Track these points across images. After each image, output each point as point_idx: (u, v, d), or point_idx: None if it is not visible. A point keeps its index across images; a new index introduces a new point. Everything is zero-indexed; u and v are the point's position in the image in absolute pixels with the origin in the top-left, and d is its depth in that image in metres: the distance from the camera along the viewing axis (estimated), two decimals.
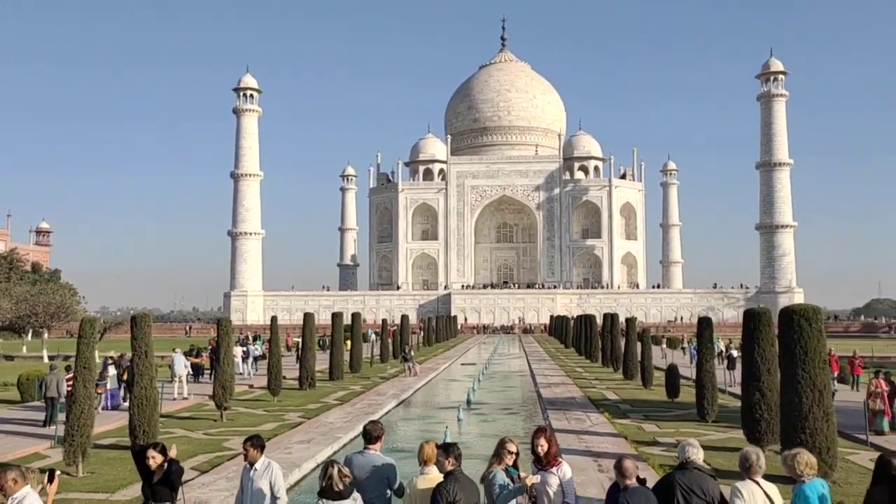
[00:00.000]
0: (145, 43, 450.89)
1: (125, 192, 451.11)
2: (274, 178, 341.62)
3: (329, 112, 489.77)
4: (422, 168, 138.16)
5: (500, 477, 7.40)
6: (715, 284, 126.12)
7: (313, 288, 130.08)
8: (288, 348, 55.46)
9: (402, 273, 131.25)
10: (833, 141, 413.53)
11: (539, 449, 7.58)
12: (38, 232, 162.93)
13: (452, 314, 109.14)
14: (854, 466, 14.44)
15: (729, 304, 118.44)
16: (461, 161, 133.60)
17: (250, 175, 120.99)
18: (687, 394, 25.25)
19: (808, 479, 6.86)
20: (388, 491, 7.70)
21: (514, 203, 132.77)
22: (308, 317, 31.95)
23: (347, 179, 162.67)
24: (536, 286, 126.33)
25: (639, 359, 32.35)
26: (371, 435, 7.88)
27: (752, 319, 16.09)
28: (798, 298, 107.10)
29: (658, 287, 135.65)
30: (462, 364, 46.70)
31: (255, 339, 52.78)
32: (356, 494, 7.21)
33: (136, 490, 11.38)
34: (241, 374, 33.48)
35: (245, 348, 37.13)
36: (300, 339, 33.77)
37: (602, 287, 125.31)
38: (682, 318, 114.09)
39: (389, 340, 49.63)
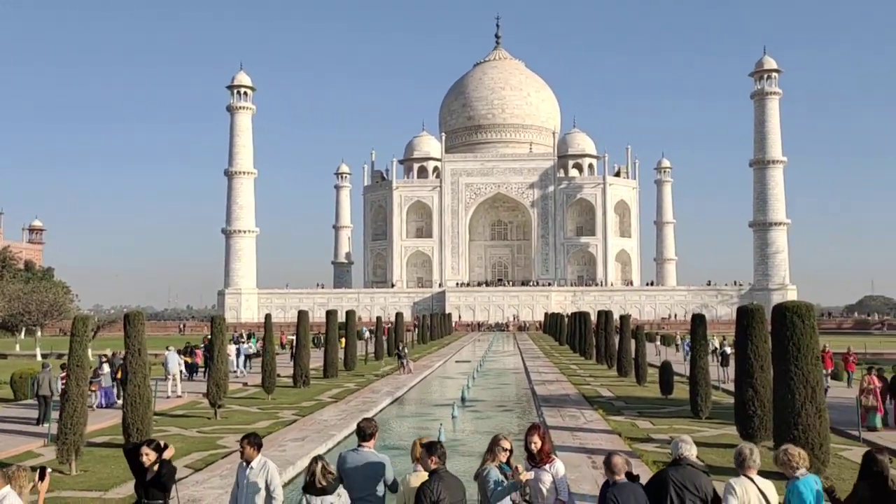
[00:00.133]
0: (140, 41, 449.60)
1: (119, 190, 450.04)
2: (268, 176, 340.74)
3: (323, 109, 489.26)
4: (416, 166, 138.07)
5: (495, 474, 7.41)
6: (709, 282, 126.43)
7: (308, 286, 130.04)
8: (282, 346, 55.38)
9: (397, 271, 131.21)
10: (826, 138, 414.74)
11: (532, 446, 7.60)
12: (31, 230, 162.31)
13: (447, 312, 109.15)
14: (847, 462, 14.50)
15: (723, 301, 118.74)
16: (456, 159, 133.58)
17: (244, 173, 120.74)
18: (681, 391, 25.33)
19: (802, 476, 6.88)
20: (382, 488, 7.70)
21: (509, 201, 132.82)
22: (302, 315, 31.93)
23: (342, 177, 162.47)
24: (531, 284, 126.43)
25: (633, 356, 32.43)
26: (365, 432, 7.89)
27: (746, 316, 16.14)
28: (791, 295, 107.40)
29: (652, 284, 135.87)
30: (457, 361, 46.71)
31: (249, 336, 52.69)
32: (341, 490, 7.24)
33: (129, 488, 11.35)
34: (233, 371, 33.43)
35: (237, 346, 37.06)
36: (294, 337, 33.76)
37: (596, 284, 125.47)
38: (675, 316, 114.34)
39: (384, 338, 49.63)
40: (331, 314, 36.21)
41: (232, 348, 34.09)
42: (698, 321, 21.93)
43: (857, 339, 61.38)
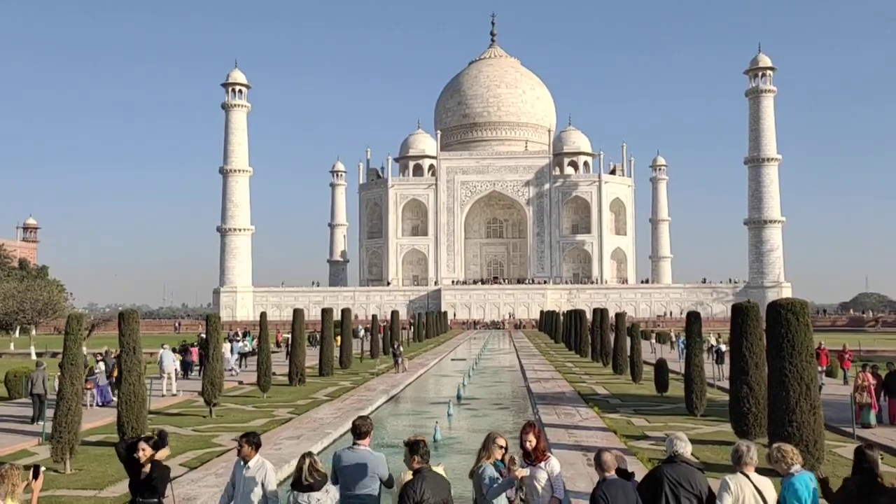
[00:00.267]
0: (135, 39, 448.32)
1: (113, 188, 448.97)
2: (263, 174, 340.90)
3: (319, 107, 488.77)
4: (412, 164, 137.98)
5: (490, 471, 7.41)
6: (704, 279, 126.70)
7: (303, 284, 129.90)
8: (278, 344, 55.32)
9: (392, 269, 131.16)
10: (821, 136, 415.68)
11: (527, 444, 7.60)
12: (26, 228, 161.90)
13: (443, 310, 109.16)
14: (841, 459, 14.53)
15: (717, 298, 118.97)
16: (451, 157, 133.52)
17: (239, 171, 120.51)
18: (676, 388, 25.35)
19: (797, 472, 6.90)
20: (378, 485, 7.70)
21: (504, 198, 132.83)
22: (298, 313, 31.88)
23: (337, 175, 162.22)
24: (526, 281, 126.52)
25: (628, 354, 32.44)
26: (360, 430, 7.89)
27: (741, 314, 16.17)
28: (786, 293, 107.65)
29: (647, 282, 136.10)
30: (452, 359, 46.71)
31: (244, 335, 52.61)
32: (329, 487, 7.25)
33: (123, 487, 11.33)
34: (228, 370, 33.35)
35: (230, 344, 36.97)
36: (290, 336, 33.71)
37: (592, 282, 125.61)
38: (671, 313, 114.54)
39: (379, 336, 49.59)
40: (326, 312, 36.15)
41: (226, 346, 33.98)
42: (693, 319, 21.96)
43: (852, 337, 61.52)
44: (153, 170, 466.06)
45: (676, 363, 33.77)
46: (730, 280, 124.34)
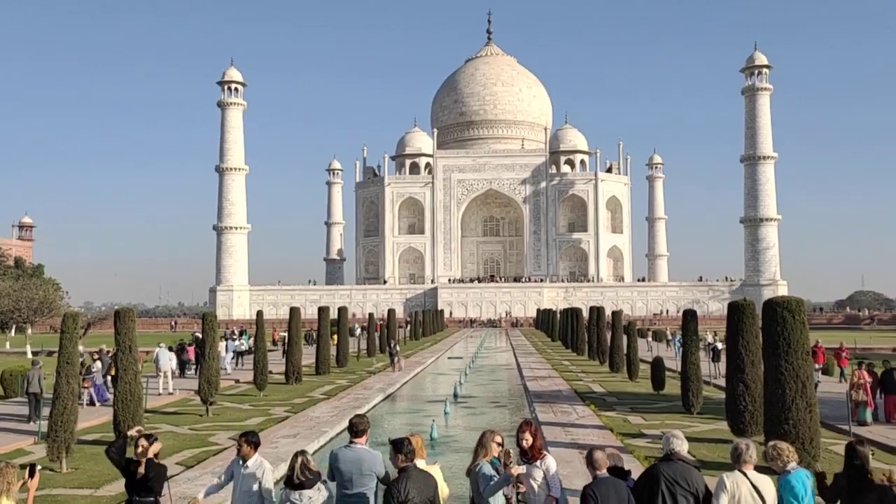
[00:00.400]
0: (131, 37, 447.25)
1: (109, 187, 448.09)
2: (260, 173, 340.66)
3: (315, 106, 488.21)
4: (408, 162, 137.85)
5: (487, 469, 7.41)
6: (700, 277, 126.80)
7: (300, 282, 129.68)
8: (274, 343, 55.28)
9: (389, 267, 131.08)
10: (817, 134, 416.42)
11: (524, 442, 7.60)
12: (21, 227, 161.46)
13: (439, 308, 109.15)
14: (837, 457, 14.54)
15: (714, 296, 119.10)
16: (447, 155, 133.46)
17: (235, 169, 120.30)
18: (672, 386, 25.40)
19: (794, 470, 6.91)
20: (375, 483, 7.70)
21: (501, 197, 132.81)
22: (294, 311, 31.86)
23: (333, 173, 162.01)
24: (523, 280, 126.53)
25: (625, 352, 32.48)
26: (357, 429, 7.88)
27: (737, 312, 16.18)
28: (782, 291, 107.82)
29: (644, 280, 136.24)
30: (449, 358, 46.72)
31: (241, 334, 52.54)
32: (320, 485, 7.25)
33: (119, 486, 11.28)
34: (222, 369, 33.29)
35: (225, 343, 36.91)
36: (286, 334, 33.68)
37: (588, 280, 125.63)
38: (667, 311, 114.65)
39: (376, 335, 49.58)
40: (323, 311, 36.15)
41: (220, 345, 33.89)
42: (690, 317, 21.99)
43: (848, 335, 61.66)
44: (149, 168, 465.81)
45: (673, 361, 33.81)
46: (726, 278, 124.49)
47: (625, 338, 33.53)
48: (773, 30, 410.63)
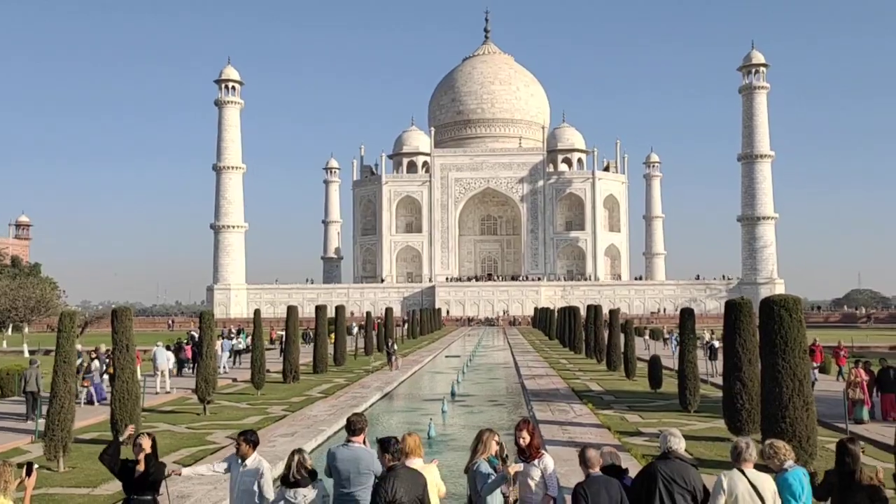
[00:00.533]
0: (128, 36, 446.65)
1: (106, 185, 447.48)
2: (257, 171, 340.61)
3: (312, 104, 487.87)
4: (405, 161, 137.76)
5: (484, 467, 7.42)
6: (697, 276, 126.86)
7: (297, 281, 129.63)
8: (272, 341, 55.24)
9: (387, 266, 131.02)
10: (814, 133, 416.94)
11: (521, 441, 7.61)
12: (18, 225, 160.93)
13: (437, 307, 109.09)
14: (833, 455, 14.57)
15: (711, 295, 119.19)
16: (445, 153, 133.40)
17: (233, 168, 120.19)
18: (669, 384, 25.43)
19: (791, 468, 6.92)
20: (372, 481, 7.69)
21: (498, 195, 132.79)
22: (292, 310, 31.82)
23: (331, 172, 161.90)
24: (520, 278, 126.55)
25: (622, 350, 32.52)
26: (354, 427, 7.88)
27: (734, 310, 16.19)
28: (779, 289, 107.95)
29: (641, 279, 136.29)
30: (446, 356, 46.73)
31: (238, 332, 52.49)
32: (316, 483, 7.26)
33: (117, 484, 11.28)
34: (220, 367, 33.27)
35: (221, 341, 36.88)
36: (284, 333, 33.66)
37: (586, 279, 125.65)
38: (664, 310, 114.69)
39: (374, 333, 49.55)
40: (320, 309, 36.12)
41: (217, 344, 33.86)
42: (687, 315, 22.01)
43: (845, 333, 61.73)
44: (146, 167, 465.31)
45: (670, 359, 33.86)
46: (723, 276, 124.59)
47: (622, 336, 33.55)
48: (770, 28, 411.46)
